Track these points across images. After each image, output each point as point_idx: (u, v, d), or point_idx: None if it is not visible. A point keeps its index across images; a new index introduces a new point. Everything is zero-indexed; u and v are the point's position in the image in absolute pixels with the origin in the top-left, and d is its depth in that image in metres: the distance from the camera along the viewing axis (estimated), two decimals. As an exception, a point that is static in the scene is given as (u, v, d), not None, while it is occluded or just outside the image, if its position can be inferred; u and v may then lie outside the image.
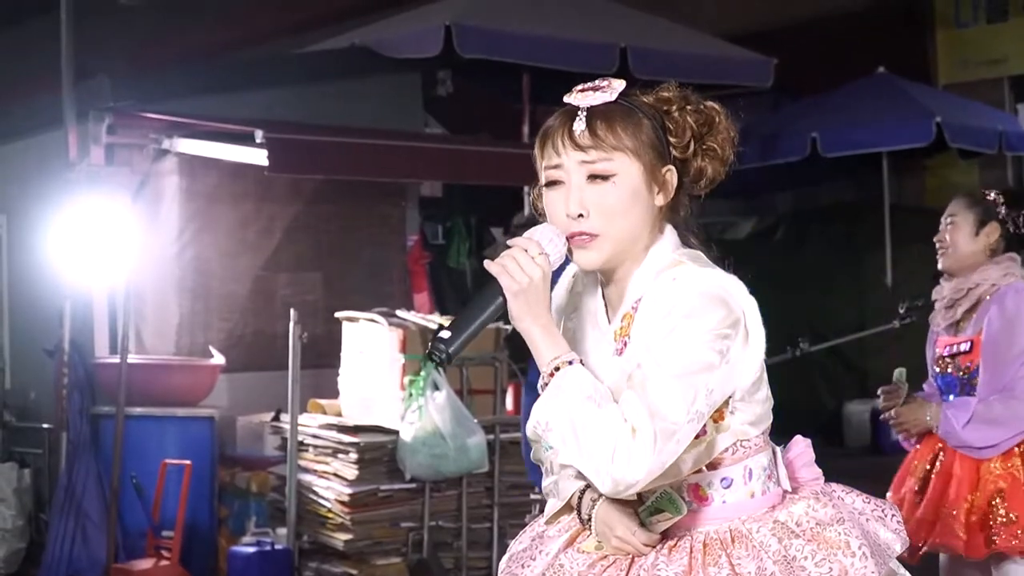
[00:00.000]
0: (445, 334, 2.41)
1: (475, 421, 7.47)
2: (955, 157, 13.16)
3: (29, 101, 9.72)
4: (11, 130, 9.67)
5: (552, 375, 2.38)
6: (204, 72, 9.87)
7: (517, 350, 8.74)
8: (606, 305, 2.58)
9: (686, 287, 2.44)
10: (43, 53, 8.97)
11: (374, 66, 9.80)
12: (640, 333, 2.45)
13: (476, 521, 7.72)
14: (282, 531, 7.48)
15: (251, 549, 7.26)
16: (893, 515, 2.58)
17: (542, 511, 7.61)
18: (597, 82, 2.53)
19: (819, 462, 2.71)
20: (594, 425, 2.32)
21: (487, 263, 2.44)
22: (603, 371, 2.46)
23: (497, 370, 7.92)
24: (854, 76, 12.40)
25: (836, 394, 12.59)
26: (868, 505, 2.59)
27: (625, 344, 2.49)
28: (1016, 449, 4.60)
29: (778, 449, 2.61)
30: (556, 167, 2.50)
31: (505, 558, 2.71)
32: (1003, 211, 4.77)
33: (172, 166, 8.78)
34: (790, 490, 2.58)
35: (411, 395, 7.41)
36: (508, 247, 2.46)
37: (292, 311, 7.62)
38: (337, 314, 8.01)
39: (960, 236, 4.79)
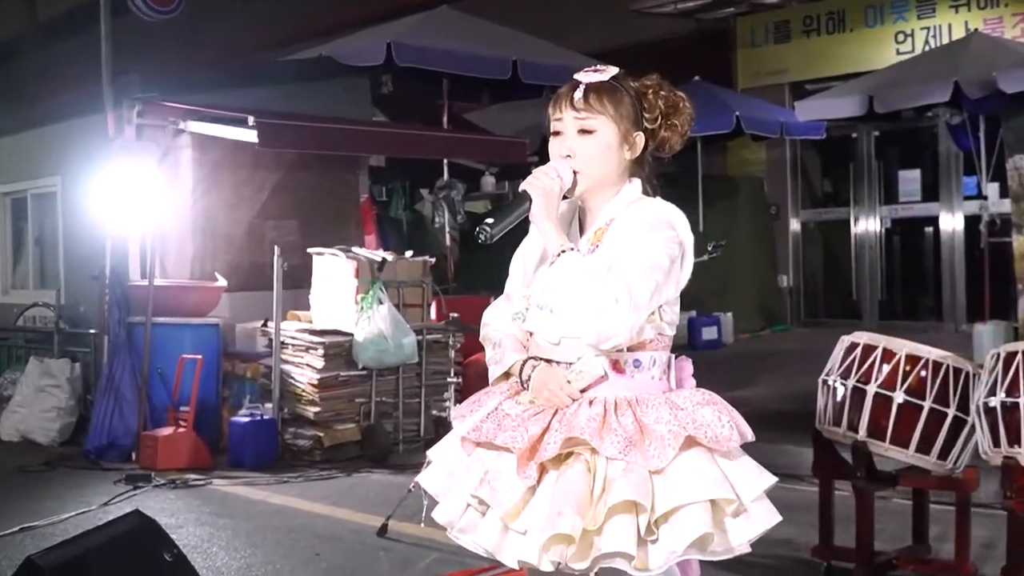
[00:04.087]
0: (490, 220, 2.47)
1: (408, 326, 7.48)
2: (749, 140, 13.27)
3: (79, 92, 9.50)
4: (65, 114, 9.53)
5: (559, 256, 2.41)
6: (211, 73, 9.70)
7: (438, 276, 8.72)
8: (580, 224, 2.62)
9: (652, 211, 2.51)
10: (89, 56, 8.78)
11: (335, 71, 9.70)
12: (613, 240, 2.49)
13: (409, 397, 7.73)
14: (269, 406, 7.45)
15: (246, 419, 7.24)
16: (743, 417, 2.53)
17: (456, 390, 7.52)
18: (598, 66, 2.58)
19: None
20: (588, 292, 2.34)
21: (524, 182, 2.49)
22: None
23: (424, 290, 7.90)
24: (677, 84, 12.39)
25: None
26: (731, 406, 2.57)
27: (597, 247, 2.51)
28: None
29: (672, 358, 2.59)
30: (559, 120, 2.55)
31: (455, 408, 2.70)
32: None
33: (187, 142, 8.66)
34: (675, 388, 2.56)
35: (362, 308, 7.39)
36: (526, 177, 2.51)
37: (276, 247, 7.59)
38: (309, 250, 7.96)
39: None
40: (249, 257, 8.88)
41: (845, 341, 4.45)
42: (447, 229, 10.51)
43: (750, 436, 2.44)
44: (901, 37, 12.81)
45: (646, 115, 2.57)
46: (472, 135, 10.41)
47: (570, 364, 2.48)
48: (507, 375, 2.62)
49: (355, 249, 7.86)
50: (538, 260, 2.57)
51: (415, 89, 10.95)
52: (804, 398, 5.95)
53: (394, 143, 9.22)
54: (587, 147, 2.52)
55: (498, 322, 2.68)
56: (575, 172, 2.52)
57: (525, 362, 2.56)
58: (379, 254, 7.77)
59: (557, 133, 2.56)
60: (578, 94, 2.51)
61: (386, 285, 7.51)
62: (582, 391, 2.46)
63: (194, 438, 7.20)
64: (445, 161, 10.45)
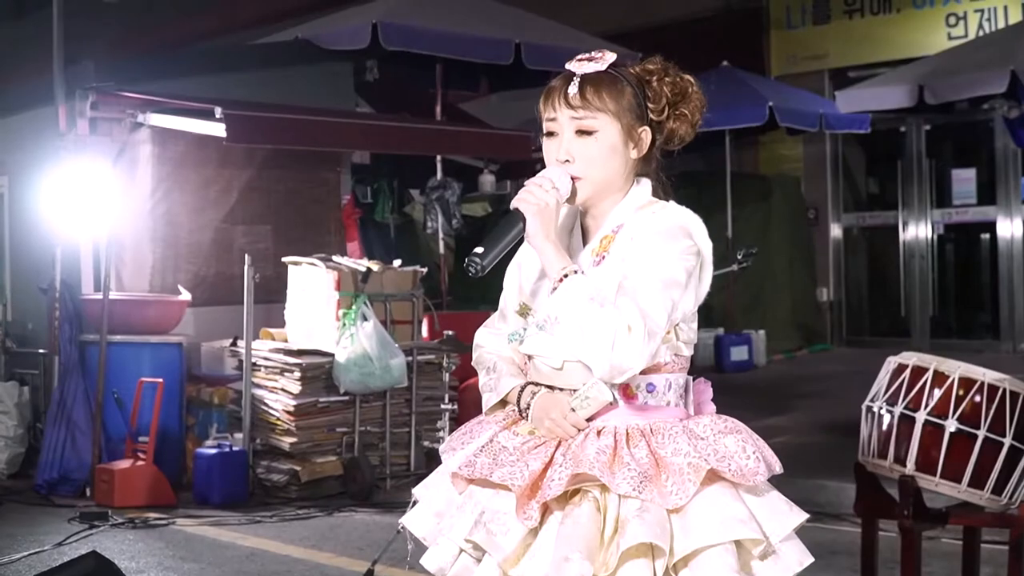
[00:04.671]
0: (479, 250, 2.43)
1: (396, 346, 7.49)
2: (784, 134, 13.30)
3: (27, 82, 9.53)
4: (12, 106, 9.53)
5: (561, 280, 2.37)
6: (173, 59, 9.72)
7: (430, 289, 8.75)
8: (583, 231, 2.59)
9: (665, 218, 2.49)
10: (38, 42, 8.83)
11: (314, 56, 9.74)
12: (621, 250, 2.47)
13: (397, 427, 7.74)
14: (239, 436, 7.46)
15: (213, 451, 7.25)
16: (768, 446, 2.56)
17: (452, 418, 7.59)
18: (593, 54, 2.54)
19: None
20: (597, 321, 2.31)
21: (514, 200, 2.46)
22: None
23: (415, 304, 7.92)
24: (703, 69, 12.47)
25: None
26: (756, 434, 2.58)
27: (603, 258, 2.50)
28: None
29: (690, 380, 2.60)
30: (552, 120, 2.53)
31: (447, 439, 2.67)
32: None
33: (146, 136, 8.68)
34: (693, 415, 2.57)
35: (344, 324, 7.41)
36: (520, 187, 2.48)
37: (247, 256, 7.60)
38: (284, 259, 7.98)
39: None
40: (216, 267, 8.90)
41: (892, 362, 4.47)
42: (440, 235, 10.54)
43: (778, 468, 2.46)
44: (953, 20, 12.87)
45: (651, 106, 2.54)
46: (469, 128, 10.45)
47: (574, 390, 2.46)
48: (503, 403, 2.61)
49: (336, 258, 7.88)
50: (537, 273, 2.56)
51: (404, 76, 11.01)
52: (846, 427, 5.99)
53: (380, 137, 9.23)
54: (587, 150, 2.49)
55: (492, 344, 2.68)
56: (575, 178, 2.50)
57: (524, 388, 2.55)
58: (363, 264, 7.78)
59: (551, 134, 2.53)
60: (573, 88, 2.48)
61: (371, 299, 7.53)
62: (589, 420, 2.46)
63: (154, 472, 7.21)
64: (438, 158, 10.49)
